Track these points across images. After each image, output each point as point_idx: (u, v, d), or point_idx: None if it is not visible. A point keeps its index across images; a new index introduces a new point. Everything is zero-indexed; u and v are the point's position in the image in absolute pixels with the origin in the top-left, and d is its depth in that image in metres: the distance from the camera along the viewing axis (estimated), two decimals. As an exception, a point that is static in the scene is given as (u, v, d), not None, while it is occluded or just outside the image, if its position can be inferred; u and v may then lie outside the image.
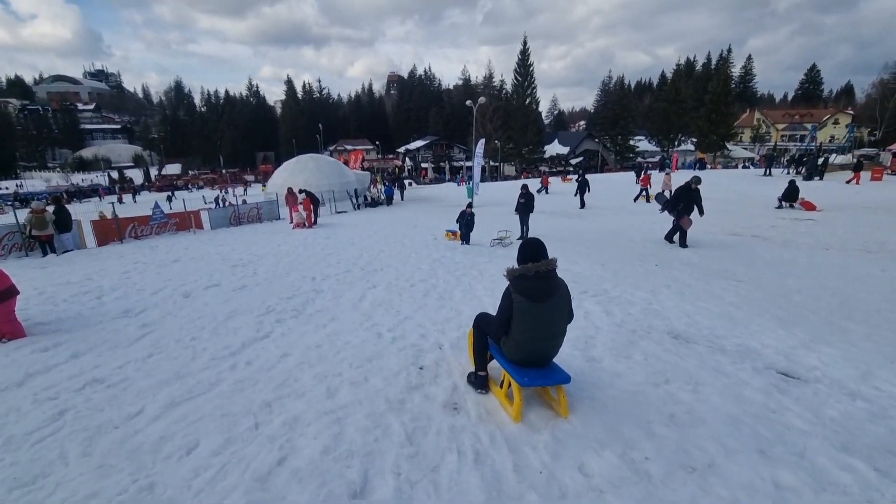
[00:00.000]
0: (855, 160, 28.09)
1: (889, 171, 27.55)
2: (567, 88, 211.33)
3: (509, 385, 3.09)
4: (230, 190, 45.71)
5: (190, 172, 75.28)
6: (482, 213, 18.95)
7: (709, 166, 49.08)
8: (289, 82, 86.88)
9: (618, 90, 68.31)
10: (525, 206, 12.32)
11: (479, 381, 3.33)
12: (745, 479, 2.36)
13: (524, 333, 2.87)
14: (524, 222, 12.35)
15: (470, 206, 11.46)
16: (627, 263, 8.79)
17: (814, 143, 38.66)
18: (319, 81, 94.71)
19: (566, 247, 10.67)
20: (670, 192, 20.04)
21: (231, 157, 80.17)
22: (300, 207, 16.70)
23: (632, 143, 62.06)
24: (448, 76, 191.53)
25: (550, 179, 32.11)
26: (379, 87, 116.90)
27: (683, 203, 10.30)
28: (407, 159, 70.57)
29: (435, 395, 3.25)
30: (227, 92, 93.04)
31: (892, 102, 70.12)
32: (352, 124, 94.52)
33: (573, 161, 62.60)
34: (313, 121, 77.25)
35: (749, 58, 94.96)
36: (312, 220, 16.15)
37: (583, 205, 19.65)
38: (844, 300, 6.41)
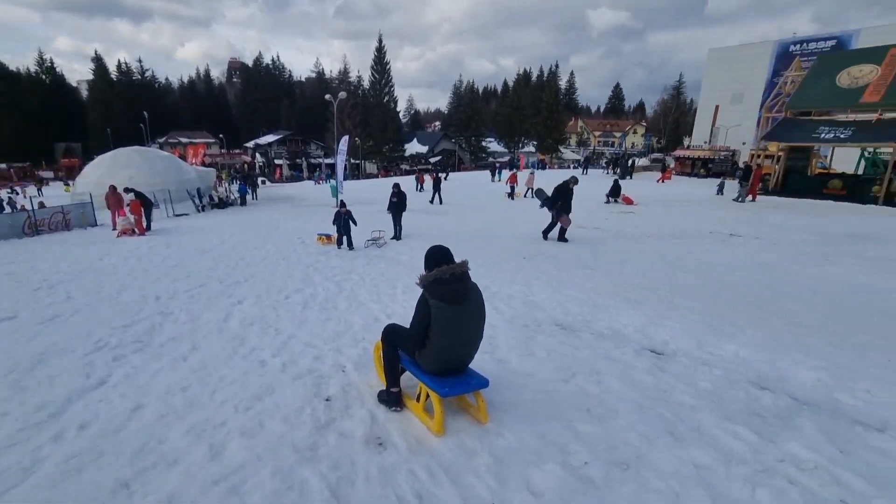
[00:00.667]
0: (660, 163, 34.79)
1: (676, 172, 34.77)
2: (422, 90, 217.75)
3: (427, 397, 2.90)
4: (18, 190, 35.92)
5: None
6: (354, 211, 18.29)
7: (547, 166, 55.67)
8: (97, 59, 71.25)
9: (468, 94, 72.96)
10: (397, 204, 12.17)
11: (393, 399, 3.07)
12: (669, 466, 2.50)
13: (443, 340, 2.74)
14: (397, 222, 12.20)
15: (343, 204, 10.69)
16: (499, 259, 9.29)
17: (622, 149, 46.70)
18: (140, 62, 79.93)
19: (447, 245, 10.84)
20: (531, 188, 22.19)
21: (17, 148, 62.52)
22: (127, 210, 13.84)
23: (483, 143, 66.95)
24: (299, 68, 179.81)
25: (426, 177, 32.29)
26: (218, 74, 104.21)
27: (562, 201, 10.87)
28: (258, 155, 64.44)
29: (352, 431, 2.78)
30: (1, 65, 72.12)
31: (670, 117, 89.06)
32: (186, 114, 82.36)
33: (432, 160, 64.86)
34: (134, 107, 65.08)
35: (572, 73, 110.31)
36: (144, 225, 13.49)
37: (440, 201, 20.63)
38: (669, 280, 7.75)
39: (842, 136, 19.20)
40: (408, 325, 3.01)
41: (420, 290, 2.86)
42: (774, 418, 3.06)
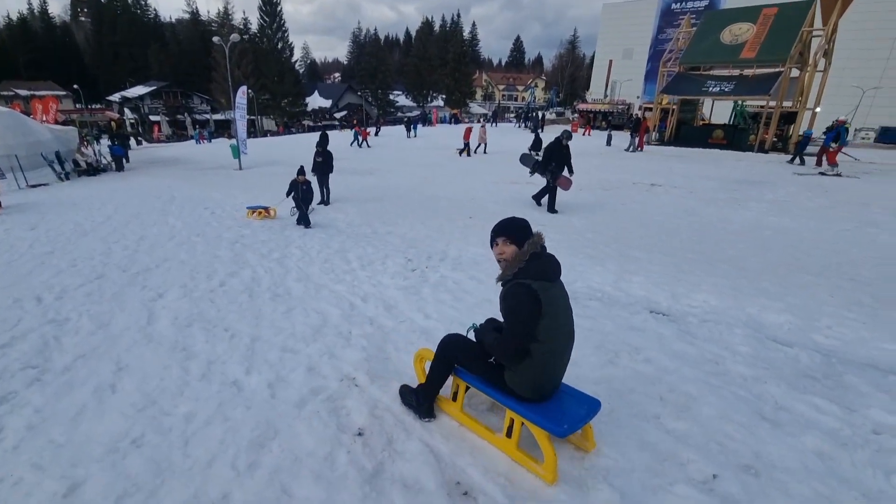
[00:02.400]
0: (573, 117, 35.97)
1: (581, 125, 36.44)
2: (317, 37, 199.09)
3: (513, 425, 2.21)
4: None
5: None
6: (257, 177, 16.33)
7: (461, 121, 55.16)
8: None
9: (372, 43, 68.33)
10: (323, 165, 10.93)
11: (426, 408, 2.46)
12: (794, 461, 2.26)
13: (556, 337, 2.09)
14: (323, 184, 10.99)
15: (302, 172, 8.61)
16: (446, 220, 8.81)
17: (533, 103, 47.77)
18: (-62, -13, 61.72)
19: (385, 207, 10.02)
20: (486, 144, 21.27)
21: None
22: None
23: (392, 97, 63.91)
24: (167, 7, 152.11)
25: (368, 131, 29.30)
26: (60, 11, 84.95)
27: (556, 161, 9.31)
28: (126, 111, 54.79)
29: (416, 478, 2.02)
30: None
31: (567, 71, 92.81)
32: (20, 59, 66.55)
33: (337, 115, 60.61)
34: (-61, 49, 50.88)
35: (473, 24, 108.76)
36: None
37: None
38: (615, 232, 7.92)
39: (726, 89, 21.27)
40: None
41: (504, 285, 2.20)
42: (827, 380, 3.05)
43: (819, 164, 15.39)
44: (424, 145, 26.29)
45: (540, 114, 38.25)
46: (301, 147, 24.58)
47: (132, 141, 28.96)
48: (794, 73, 20.58)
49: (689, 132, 23.69)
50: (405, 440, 2.24)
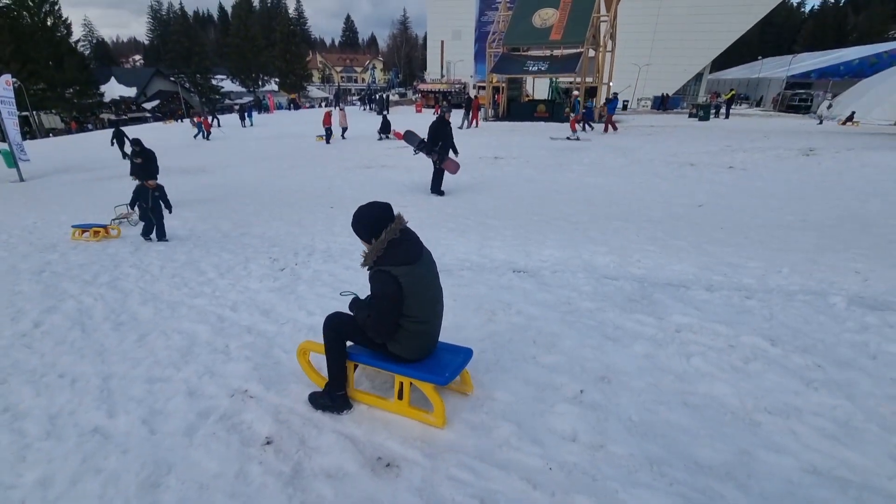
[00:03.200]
0: (416, 97, 36.51)
1: (425, 105, 37.61)
2: (101, 10, 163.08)
3: (400, 388, 2.45)
4: None
5: None
6: (50, 187, 13.34)
7: (300, 106, 51.91)
8: None
9: (179, 20, 59.20)
10: (144, 166, 9.34)
11: (340, 401, 2.50)
12: (630, 365, 2.88)
13: (420, 312, 2.29)
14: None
15: (153, 176, 7.40)
16: (306, 213, 8.47)
17: (375, 84, 47.36)
18: None
19: (232, 207, 9.09)
20: (345, 128, 19.94)
21: None
22: None
23: (215, 83, 56.73)
24: None
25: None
26: None
27: (442, 141, 8.81)
28: None
29: (340, 467, 2.08)
30: None
31: (402, 52, 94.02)
32: None
33: (147, 105, 51.59)
34: None
35: (298, 1, 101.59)
36: None
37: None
38: (469, 203, 8.60)
39: (542, 68, 24.16)
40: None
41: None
42: (643, 300, 3.94)
43: (606, 130, 19.06)
44: (265, 135, 24.25)
45: (385, 95, 38.28)
46: (102, 147, 20.53)
47: None
48: (592, 53, 24.33)
49: (518, 108, 26.41)
50: (318, 436, 2.25)
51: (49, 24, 41.58)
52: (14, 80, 20.33)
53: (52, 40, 41.18)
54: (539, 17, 24.82)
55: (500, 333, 3.28)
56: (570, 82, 25.43)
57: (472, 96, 24.52)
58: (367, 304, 2.43)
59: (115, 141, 18.34)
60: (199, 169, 14.93)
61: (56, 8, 42.09)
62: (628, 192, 9.16)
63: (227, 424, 2.32)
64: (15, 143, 15.41)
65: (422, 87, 43.68)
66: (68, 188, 12.88)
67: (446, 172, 9.34)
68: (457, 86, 40.49)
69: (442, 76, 47.63)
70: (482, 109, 26.53)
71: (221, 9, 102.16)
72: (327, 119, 19.22)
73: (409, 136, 10.00)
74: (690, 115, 27.39)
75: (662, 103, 36.12)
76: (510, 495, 1.92)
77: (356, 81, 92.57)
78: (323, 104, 63.16)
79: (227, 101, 55.43)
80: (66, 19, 43.71)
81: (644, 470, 2.04)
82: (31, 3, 40.45)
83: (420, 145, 9.39)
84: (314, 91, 73.01)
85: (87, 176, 15.05)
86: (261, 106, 44.71)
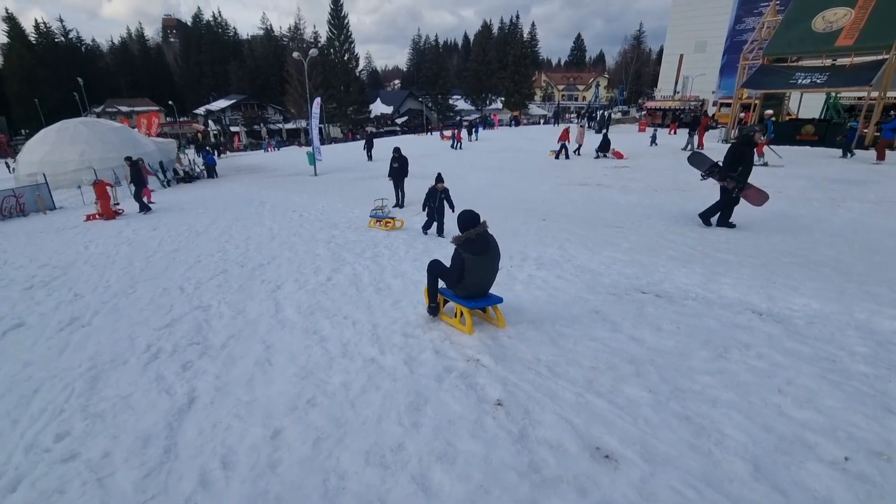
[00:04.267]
0: (640, 115, 34.73)
1: (649, 125, 35.05)
2: (378, 45, 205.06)
3: (461, 314, 3.93)
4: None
5: None
6: (332, 182, 17.38)
7: (520, 123, 54.90)
8: (10, 20, 62.71)
9: (433, 50, 69.90)
10: (399, 170, 11.51)
11: (433, 310, 4.18)
12: None
13: (473, 279, 3.82)
14: (399, 187, 11.59)
15: (440, 180, 8.17)
16: (521, 223, 9.01)
17: (597, 101, 46.56)
18: (62, 21, 71.25)
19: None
20: (580, 145, 19.84)
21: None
22: (109, 191, 12.28)
23: (451, 102, 64.88)
24: (244, 24, 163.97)
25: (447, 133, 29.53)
26: (153, 34, 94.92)
27: (743, 167, 7.48)
28: (211, 122, 60.03)
29: (560, 441, 2.34)
30: None
31: (632, 68, 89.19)
32: (122, 79, 75.02)
33: (399, 121, 62.53)
34: (60, 73, 58.68)
35: (533, 24, 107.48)
36: (110, 208, 12.08)
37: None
38: (699, 235, 7.72)
39: (818, 81, 19.59)
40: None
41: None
42: None
43: (881, 157, 14.15)
44: (489, 148, 26.56)
45: (606, 113, 37.20)
46: (364, 154, 25.68)
47: (215, 152, 31.84)
48: (900, 60, 18.57)
49: (776, 129, 22.07)
50: (540, 411, 2.53)
51: (346, 58, 54.60)
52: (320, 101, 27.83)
53: (346, 71, 53.99)
54: (823, 18, 20.22)
55: (735, 373, 2.95)
56: (859, 98, 19.88)
57: (700, 115, 21.53)
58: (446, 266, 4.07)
59: (366, 147, 23.25)
60: (432, 175, 17.43)
61: (352, 46, 54.96)
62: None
63: (466, 382, 2.84)
64: (316, 148, 20.92)
65: (649, 104, 40.69)
66: (343, 183, 16.72)
67: (744, 202, 7.89)
68: (692, 103, 36.30)
69: (676, 92, 43.37)
70: (722, 130, 23.19)
71: (465, 37, 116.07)
72: (565, 135, 19.17)
73: (695, 159, 8.83)
74: None
75: None
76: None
77: (576, 99, 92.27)
78: (541, 121, 65.15)
79: (458, 118, 62.59)
80: (357, 54, 56.60)
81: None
82: (337, 44, 53.89)
83: (711, 170, 8.12)
84: (534, 108, 75.97)
85: (355, 175, 19.20)
86: (486, 122, 48.95)
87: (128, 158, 13.48)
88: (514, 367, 3.03)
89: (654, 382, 2.78)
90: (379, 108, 63.56)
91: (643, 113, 41.02)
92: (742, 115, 23.78)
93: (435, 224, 8.19)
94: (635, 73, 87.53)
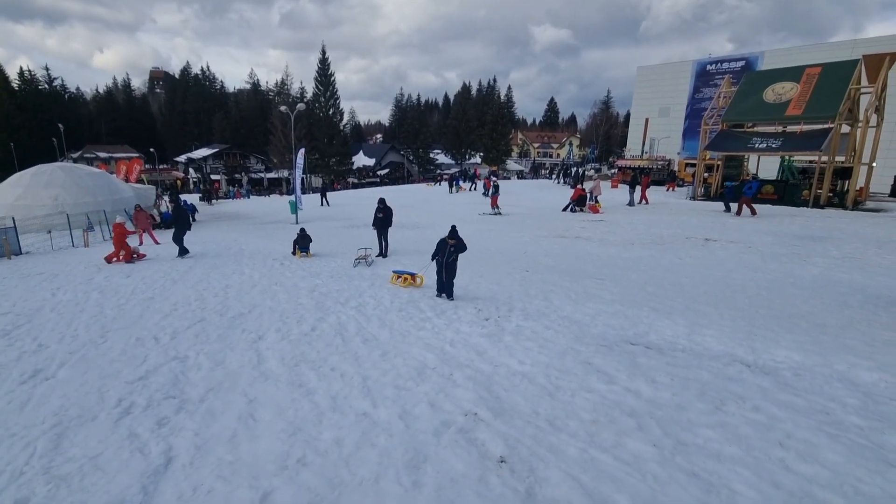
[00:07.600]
0: (612, 172, 36.47)
1: (621, 181, 36.78)
2: (364, 102, 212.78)
3: None
4: None
5: None
6: (314, 229, 17.33)
7: (498, 177, 56.83)
8: (-8, 66, 62.95)
9: (415, 107, 73.16)
10: (383, 220, 11.61)
11: None
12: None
13: None
14: (382, 236, 11.64)
15: (455, 233, 6.98)
16: (505, 273, 9.09)
17: (570, 159, 48.91)
18: (48, 69, 71.99)
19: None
20: (596, 196, 20.59)
21: None
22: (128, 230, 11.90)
23: (431, 155, 67.09)
24: (232, 78, 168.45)
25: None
26: (139, 84, 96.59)
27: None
28: (191, 170, 59.98)
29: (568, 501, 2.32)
30: None
31: (601, 129, 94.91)
32: (102, 126, 75.15)
33: (380, 172, 63.94)
34: (42, 119, 58.50)
35: (509, 87, 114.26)
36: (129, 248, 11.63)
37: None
38: (676, 285, 7.94)
39: (773, 145, 21.24)
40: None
41: None
42: None
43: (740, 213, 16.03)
44: (471, 200, 27.21)
45: (580, 170, 39.01)
46: (346, 204, 25.97)
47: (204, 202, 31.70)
48: (844, 128, 20.40)
49: (735, 188, 23.49)
50: (545, 468, 2.42)
51: (331, 112, 56.39)
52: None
53: (330, 125, 55.56)
54: (772, 91, 22.27)
55: (734, 426, 2.94)
56: (811, 161, 21.51)
57: (642, 172, 23.26)
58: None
59: (321, 195, 25.01)
60: (413, 225, 17.62)
61: (337, 102, 57.00)
62: (906, 296, 7.13)
63: (465, 437, 2.71)
64: (298, 196, 21.08)
65: (620, 162, 43.00)
66: (323, 231, 16.68)
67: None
68: (660, 162, 38.53)
69: (643, 152, 46.10)
70: (690, 187, 24.58)
71: (446, 97, 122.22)
72: (578, 193, 20.11)
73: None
74: None
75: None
76: None
77: (551, 156, 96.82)
78: (515, 176, 67.64)
79: (439, 171, 64.42)
80: (342, 110, 58.57)
81: None
82: (322, 99, 55.83)
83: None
84: (511, 164, 79.13)
85: (336, 224, 19.23)
86: (466, 176, 50.49)
87: (173, 198, 13.21)
88: (513, 420, 2.94)
89: (657, 436, 2.73)
90: (361, 160, 65.06)
91: (615, 171, 43.18)
92: (706, 174, 25.30)
93: (445, 286, 7.15)
94: (605, 134, 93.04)
